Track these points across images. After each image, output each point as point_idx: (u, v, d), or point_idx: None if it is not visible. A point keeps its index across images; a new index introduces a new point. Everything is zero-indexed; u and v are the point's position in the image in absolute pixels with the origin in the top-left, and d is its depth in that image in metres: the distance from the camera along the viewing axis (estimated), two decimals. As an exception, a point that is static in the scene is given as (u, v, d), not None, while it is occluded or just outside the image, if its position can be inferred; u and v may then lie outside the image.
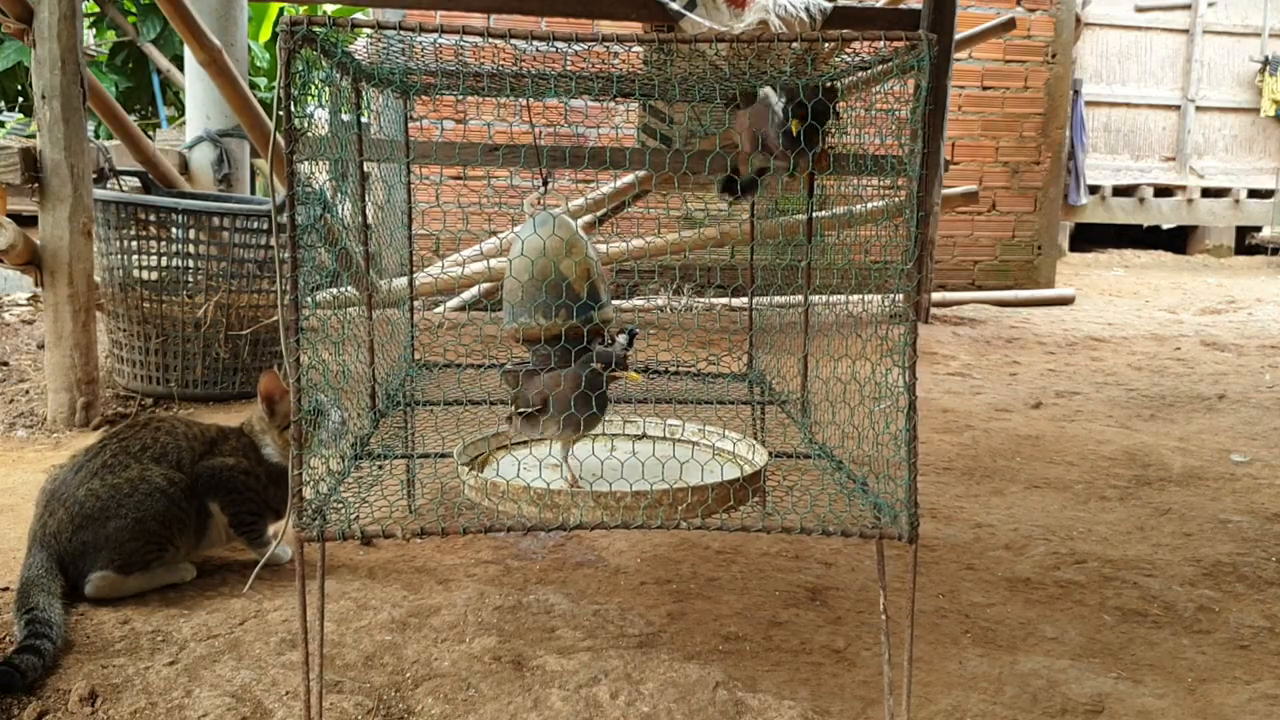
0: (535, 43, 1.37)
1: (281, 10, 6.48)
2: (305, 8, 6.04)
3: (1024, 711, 1.63)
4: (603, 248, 4.75)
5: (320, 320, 1.46)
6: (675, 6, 4.67)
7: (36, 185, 3.02)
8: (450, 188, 5.77)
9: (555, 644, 1.77)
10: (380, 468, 1.75)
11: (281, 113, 1.30)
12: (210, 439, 2.05)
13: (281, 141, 1.33)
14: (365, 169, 1.94)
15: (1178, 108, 9.44)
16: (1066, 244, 9.32)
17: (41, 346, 3.62)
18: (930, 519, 2.48)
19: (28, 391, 3.38)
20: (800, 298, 1.97)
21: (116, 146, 3.95)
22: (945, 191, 5.64)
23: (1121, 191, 9.22)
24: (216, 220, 3.37)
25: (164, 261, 3.38)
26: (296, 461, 1.36)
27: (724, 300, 5.17)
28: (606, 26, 5.28)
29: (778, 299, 2.11)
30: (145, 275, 3.37)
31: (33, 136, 3.53)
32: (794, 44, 1.38)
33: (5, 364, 3.76)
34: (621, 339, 1.77)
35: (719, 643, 1.83)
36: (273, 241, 3.40)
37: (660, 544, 2.25)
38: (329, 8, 5.30)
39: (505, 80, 1.81)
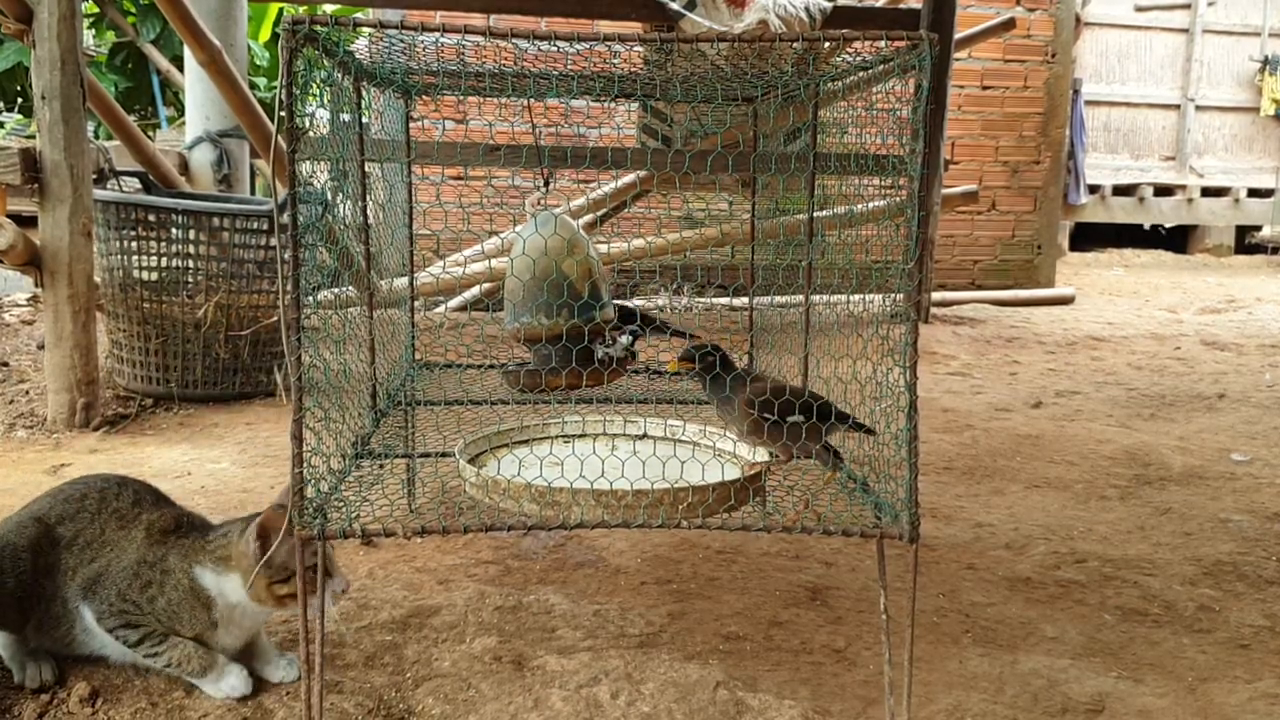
0: (536, 42, 1.37)
1: (281, 10, 6.48)
2: (305, 8, 6.04)
3: (1024, 711, 1.63)
4: (603, 247, 4.75)
5: (321, 320, 1.46)
6: (675, 6, 4.68)
7: (36, 185, 3.02)
8: (451, 187, 5.77)
9: (555, 644, 1.77)
10: (381, 467, 1.75)
11: (283, 113, 1.30)
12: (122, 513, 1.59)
13: (283, 142, 1.33)
14: (366, 169, 1.94)
15: (1177, 107, 9.45)
16: (1066, 243, 9.32)
17: (41, 347, 3.62)
18: (931, 519, 2.48)
19: (28, 392, 3.38)
20: (801, 297, 1.97)
21: (116, 146, 3.95)
22: (945, 191, 5.64)
23: (1121, 191, 9.22)
24: (216, 220, 3.37)
25: (164, 262, 3.38)
26: (297, 460, 1.35)
27: (724, 300, 5.16)
28: (606, 26, 5.28)
29: (778, 299, 2.11)
30: (145, 275, 3.38)
31: (33, 137, 3.53)
32: (794, 44, 1.38)
33: (5, 364, 3.76)
34: (624, 340, 1.77)
35: (719, 642, 1.83)
36: (274, 241, 3.40)
37: (660, 544, 2.25)
38: (329, 7, 5.30)
39: (506, 80, 1.81)
